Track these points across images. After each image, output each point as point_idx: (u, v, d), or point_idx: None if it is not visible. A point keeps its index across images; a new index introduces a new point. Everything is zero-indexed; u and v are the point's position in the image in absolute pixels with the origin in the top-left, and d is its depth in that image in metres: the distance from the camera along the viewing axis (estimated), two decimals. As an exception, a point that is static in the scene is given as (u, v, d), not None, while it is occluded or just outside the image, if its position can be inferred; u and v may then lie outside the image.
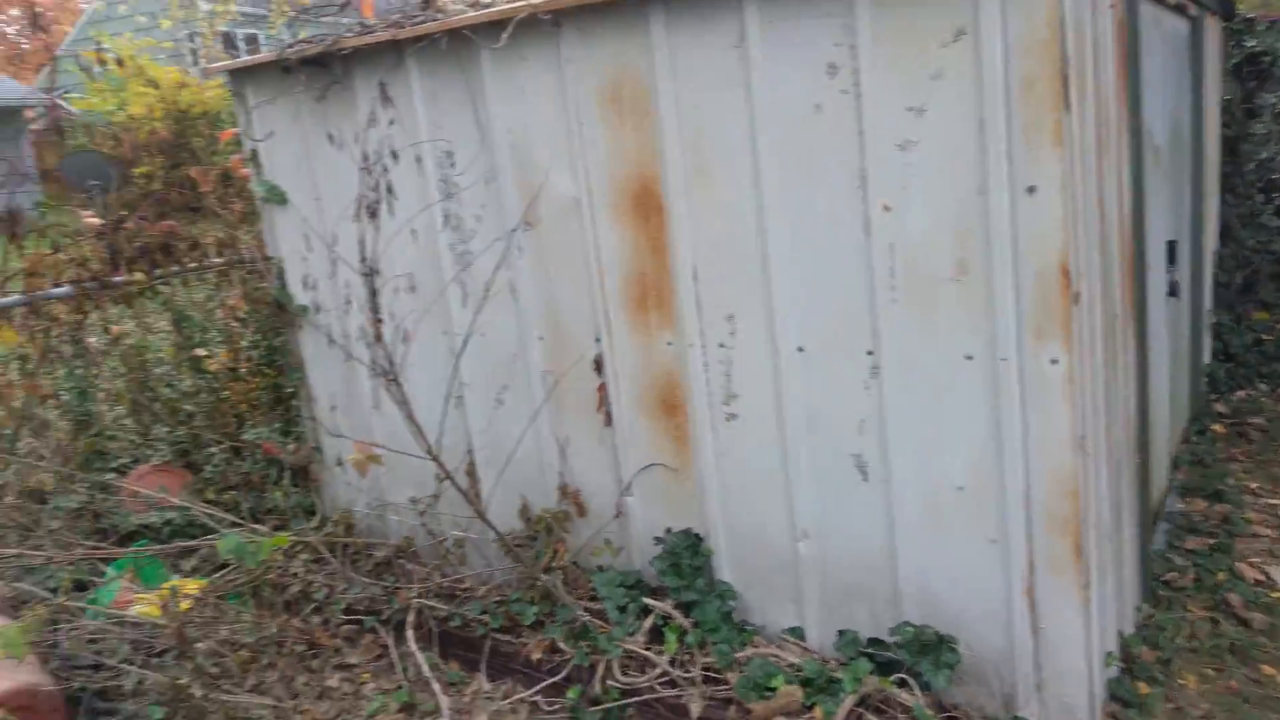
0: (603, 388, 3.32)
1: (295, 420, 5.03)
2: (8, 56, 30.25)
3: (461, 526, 3.79)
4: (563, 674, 3.28)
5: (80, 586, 3.88)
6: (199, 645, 3.53)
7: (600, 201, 3.09)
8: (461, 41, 3.21)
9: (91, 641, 3.56)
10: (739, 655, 3.02)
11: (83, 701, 3.32)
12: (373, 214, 3.35)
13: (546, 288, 3.35)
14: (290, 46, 3.56)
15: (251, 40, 20.23)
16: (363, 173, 3.37)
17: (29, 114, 19.44)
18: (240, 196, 5.20)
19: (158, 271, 4.59)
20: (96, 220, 4.50)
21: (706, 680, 3.03)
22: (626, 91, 2.92)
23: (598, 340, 3.28)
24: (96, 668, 3.50)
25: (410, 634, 3.52)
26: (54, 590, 3.72)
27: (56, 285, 4.42)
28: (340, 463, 4.06)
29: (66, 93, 21.98)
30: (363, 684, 3.56)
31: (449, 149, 3.38)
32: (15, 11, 30.37)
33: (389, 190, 3.38)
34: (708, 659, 3.07)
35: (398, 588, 3.75)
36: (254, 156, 3.99)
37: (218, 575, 4.04)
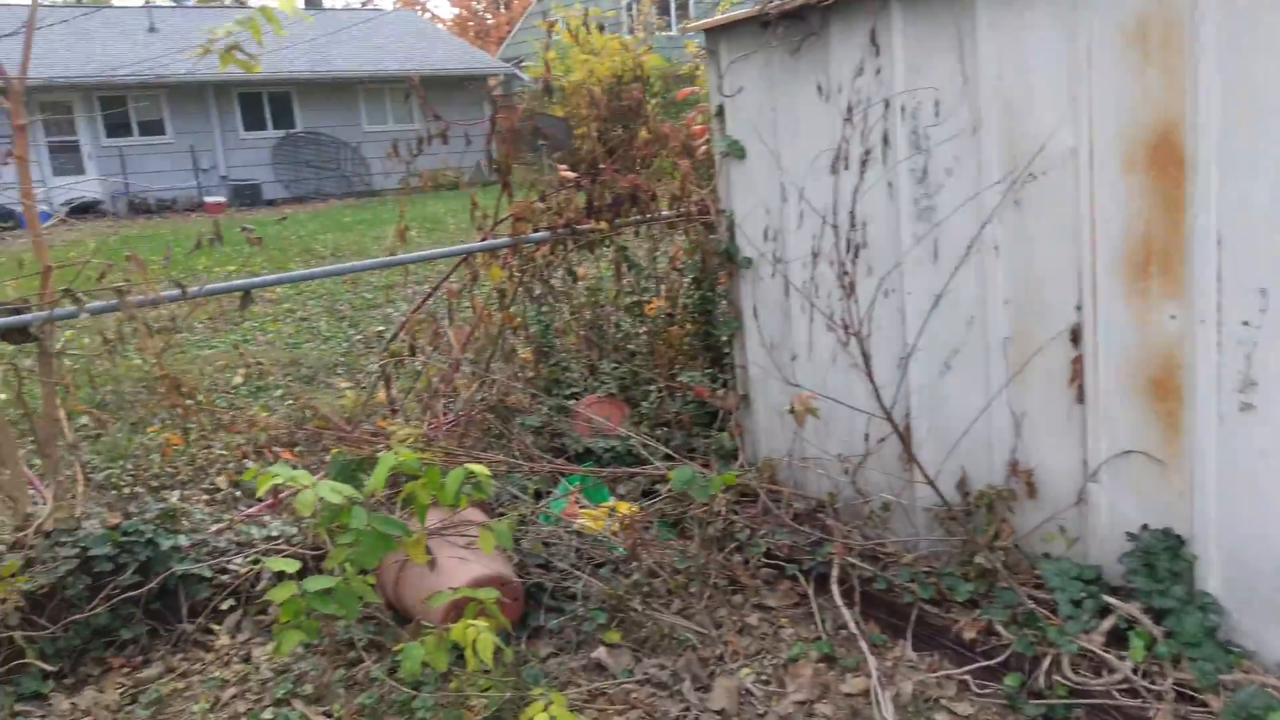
0: (1078, 360, 3.04)
1: (724, 367, 5.24)
2: (476, 31, 34.73)
3: (892, 490, 3.72)
4: (999, 659, 3.10)
5: (537, 495, 4.35)
6: (640, 564, 3.80)
7: (1103, 153, 2.79)
8: (954, -17, 3.06)
9: (545, 545, 3.96)
10: (1224, 678, 2.64)
11: (543, 597, 3.70)
12: (859, 165, 3.31)
13: (1021, 248, 3.12)
14: (771, 1, 3.62)
15: (683, 7, 21.35)
16: (846, 124, 3.35)
17: (492, 81, 22.23)
18: (688, 153, 5.44)
19: (617, 221, 4.96)
20: (571, 173, 4.94)
21: (1178, 698, 2.69)
22: (1156, 26, 2.59)
23: (1078, 308, 3.00)
24: (546, 568, 3.91)
25: (835, 588, 3.52)
26: (519, 495, 4.20)
27: (535, 230, 4.93)
28: (791, 410, 4.04)
29: (521, 61, 24.80)
30: (780, 627, 3.62)
31: (924, 98, 3.25)
32: (485, -9, 34.85)
33: (885, 141, 3.32)
34: (1181, 675, 2.73)
35: (820, 540, 3.77)
36: (720, 113, 4.13)
37: (648, 503, 4.34)
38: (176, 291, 3.80)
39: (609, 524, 4.17)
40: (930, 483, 3.28)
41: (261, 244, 4.30)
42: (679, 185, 5.16)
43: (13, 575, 3.45)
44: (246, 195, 20.20)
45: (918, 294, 3.45)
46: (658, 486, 4.43)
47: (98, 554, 3.65)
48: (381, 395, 5.38)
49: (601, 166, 4.58)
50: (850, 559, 3.60)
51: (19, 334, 3.86)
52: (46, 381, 3.97)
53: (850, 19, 3.41)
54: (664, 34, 20.32)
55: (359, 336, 8.72)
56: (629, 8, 21.02)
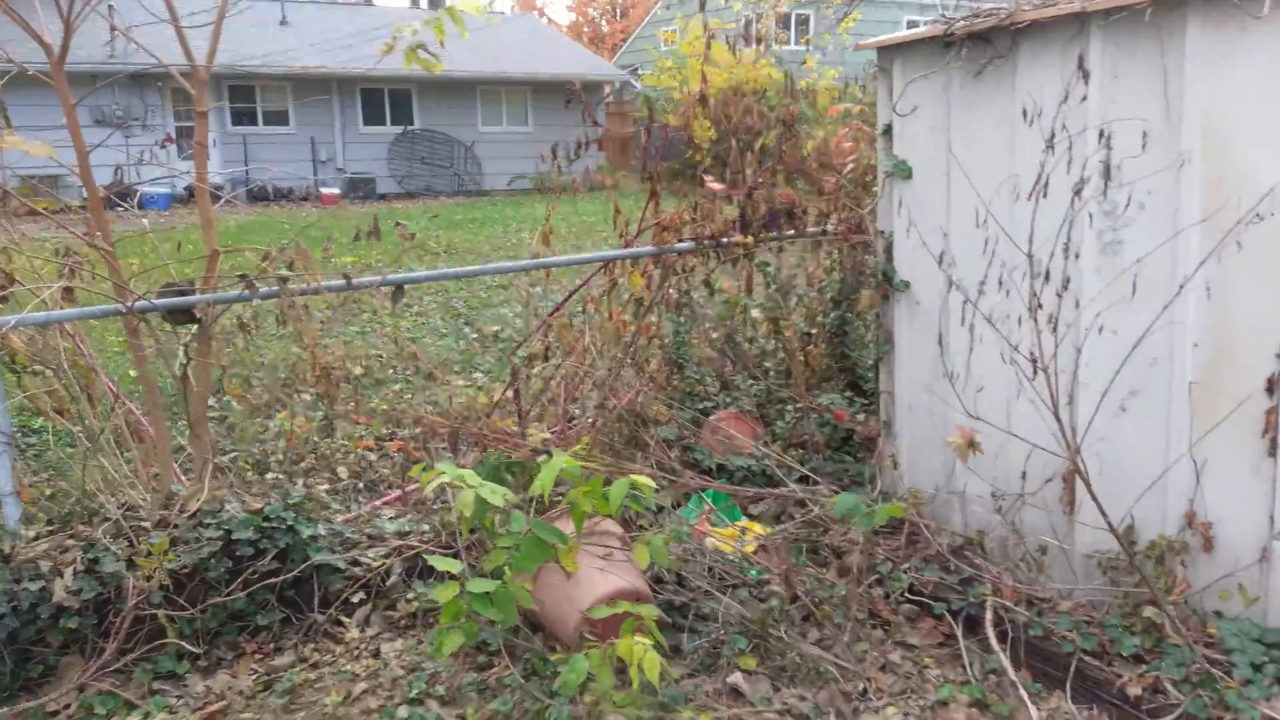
0: (1273, 411, 2.86)
1: (861, 390, 5.11)
2: (590, 37, 35.08)
3: (1051, 533, 3.55)
4: (1168, 718, 2.92)
5: (672, 508, 4.28)
6: (789, 591, 3.70)
7: (1328, 195, 2.62)
8: (1165, 10, 2.91)
9: (680, 561, 3.89)
10: None
11: (673, 615, 3.63)
12: (1056, 194, 3.16)
13: (1217, 289, 2.95)
14: (959, 21, 3.51)
15: (803, 22, 21.20)
16: (1047, 152, 3.22)
17: (606, 89, 22.42)
18: (833, 170, 5.33)
19: (762, 236, 4.87)
20: (718, 185, 4.87)
21: (1385, 787, 2.49)
22: None
23: (1278, 356, 2.81)
24: (679, 585, 3.84)
25: (990, 631, 3.37)
26: (661, 508, 4.14)
27: (680, 240, 4.88)
28: (968, 443, 3.84)
29: (636, 69, 24.94)
30: (925, 667, 3.49)
31: (1122, 129, 3.10)
32: (603, -2, 35.20)
33: (1077, 170, 3.17)
34: (1387, 762, 2.52)
35: (970, 579, 3.63)
36: (887, 131, 4.03)
37: (782, 526, 4.24)
38: (342, 282, 3.86)
39: (740, 545, 4.10)
40: (1113, 530, 3.11)
41: (414, 239, 4.36)
42: (826, 203, 5.06)
43: (162, 553, 3.51)
44: (361, 189, 20.75)
45: (1095, 330, 3.29)
46: (791, 509, 4.35)
47: (240, 537, 3.66)
48: (500, 393, 5.39)
49: (759, 180, 4.51)
50: (1003, 601, 3.45)
51: (182, 315, 3.97)
52: (204, 363, 4.08)
53: (1043, 44, 3.28)
54: (785, 48, 20.18)
55: (474, 334, 8.82)
56: (749, 23, 20.97)
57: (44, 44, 3.74)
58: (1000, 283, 3.47)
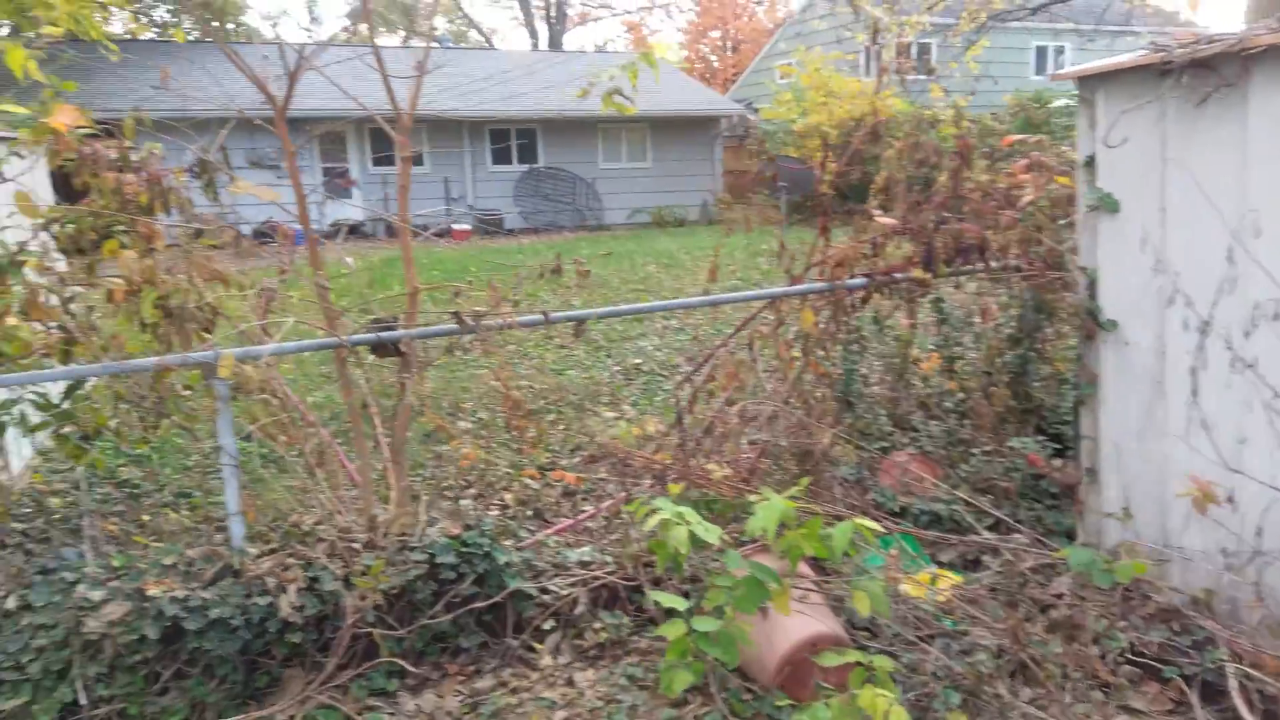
0: None
1: (1052, 434, 4.90)
2: (701, 74, 35.34)
3: (1295, 592, 3.33)
4: None
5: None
6: (983, 642, 3.56)
7: None
8: None
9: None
10: None
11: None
12: None
13: None
14: (1178, 48, 3.38)
15: (925, 51, 20.91)
16: None
17: (723, 123, 22.53)
18: (1009, 203, 5.18)
19: (937, 272, 4.76)
20: (888, 220, 4.79)
21: None
22: None
23: None
24: (871, 633, 3.75)
25: (1239, 702, 3.15)
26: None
27: (852, 277, 4.81)
28: (1222, 501, 3.52)
29: (752, 103, 25.01)
30: (1153, 735, 3.30)
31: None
32: (714, 34, 35.46)
33: None
34: None
35: (1204, 642, 3.42)
36: (1089, 163, 3.90)
37: (976, 575, 4.09)
38: (539, 316, 3.96)
39: (932, 593, 3.96)
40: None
41: (589, 275, 4.43)
42: (1003, 237, 4.91)
43: (378, 574, 3.62)
44: (490, 225, 21.33)
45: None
46: (984, 558, 4.19)
47: (443, 561, 3.78)
48: (670, 427, 5.38)
49: (944, 215, 4.42)
50: (1245, 668, 3.23)
51: (386, 348, 4.12)
52: (404, 393, 4.20)
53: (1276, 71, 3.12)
54: (910, 78, 19.93)
55: (616, 367, 8.88)
56: (868, 53, 20.82)
57: (269, 95, 3.96)
58: (1254, 324, 3.28)
